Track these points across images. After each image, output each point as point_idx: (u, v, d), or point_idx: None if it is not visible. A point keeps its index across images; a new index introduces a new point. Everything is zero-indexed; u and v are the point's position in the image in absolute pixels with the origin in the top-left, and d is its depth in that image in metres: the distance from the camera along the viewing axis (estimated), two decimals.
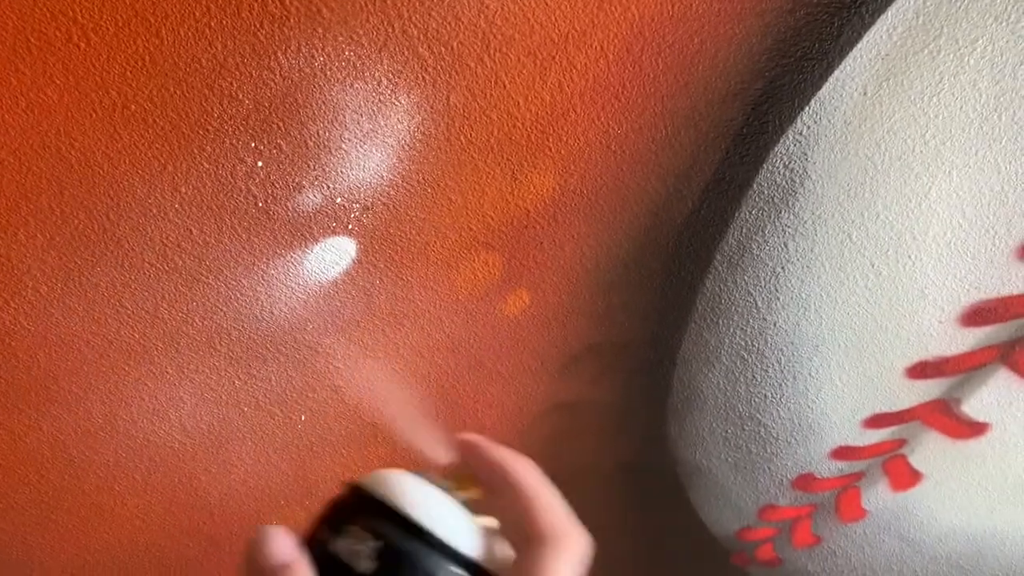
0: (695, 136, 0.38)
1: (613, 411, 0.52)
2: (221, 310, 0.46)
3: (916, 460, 0.55)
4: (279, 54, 0.36)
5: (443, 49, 0.37)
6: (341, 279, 0.44)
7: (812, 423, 0.52)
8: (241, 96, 0.38)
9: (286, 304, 0.45)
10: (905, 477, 0.58)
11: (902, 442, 0.55)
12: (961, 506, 0.56)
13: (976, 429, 0.54)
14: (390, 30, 0.36)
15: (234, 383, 0.49)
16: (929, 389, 0.51)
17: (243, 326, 0.46)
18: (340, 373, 0.44)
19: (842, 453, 0.55)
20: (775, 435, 0.52)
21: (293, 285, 0.44)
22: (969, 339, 0.47)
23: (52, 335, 0.44)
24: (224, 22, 0.34)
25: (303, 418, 0.51)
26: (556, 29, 0.38)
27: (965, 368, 0.49)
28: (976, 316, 0.47)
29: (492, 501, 0.25)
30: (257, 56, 0.36)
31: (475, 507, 0.24)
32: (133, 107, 0.37)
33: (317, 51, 0.36)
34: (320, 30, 0.36)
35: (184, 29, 0.35)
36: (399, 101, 0.38)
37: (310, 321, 0.46)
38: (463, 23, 0.36)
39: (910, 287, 0.44)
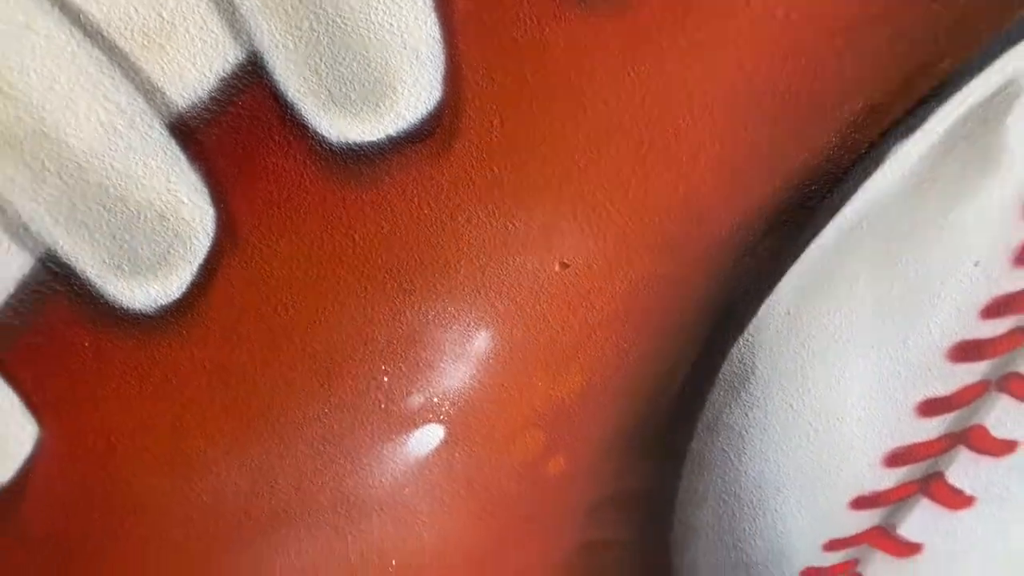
0: (675, 349, 0.56)
1: (633, 549, 0.66)
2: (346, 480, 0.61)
3: None
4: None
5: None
6: (432, 453, 0.60)
7: (782, 549, 0.66)
8: None
9: (391, 474, 0.60)
10: None
11: (856, 562, 0.68)
12: None
13: (912, 549, 0.68)
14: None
15: (345, 537, 0.63)
16: (871, 518, 0.65)
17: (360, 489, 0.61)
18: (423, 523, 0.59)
19: (810, 574, 0.69)
20: (756, 560, 0.66)
21: (399, 460, 0.59)
22: (894, 477, 0.62)
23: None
24: None
25: (393, 562, 0.65)
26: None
27: (894, 500, 0.64)
28: (895, 459, 0.62)
29: None
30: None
31: None
32: None
33: None
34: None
35: None
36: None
37: (407, 485, 0.61)
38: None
39: (840, 441, 0.60)
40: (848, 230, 0.50)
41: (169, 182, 0.39)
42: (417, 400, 0.56)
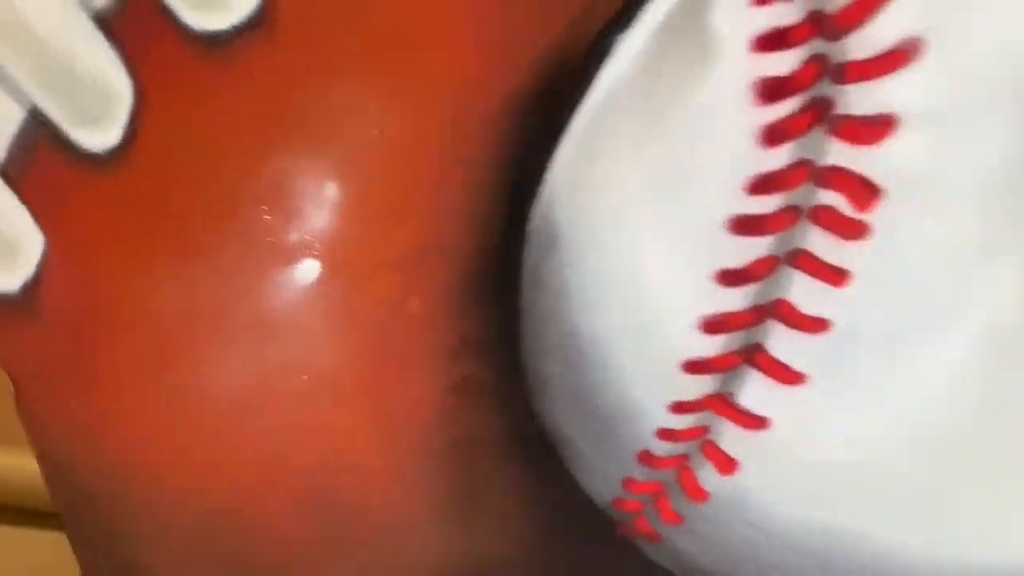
0: (489, 211, 0.70)
1: (499, 393, 0.78)
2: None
3: (725, 447, 0.66)
4: None
5: None
6: (314, 284, 0.78)
7: (629, 408, 0.66)
8: None
9: (288, 299, 0.78)
10: (723, 462, 0.67)
11: (707, 429, 0.71)
12: (789, 495, 0.64)
13: (758, 422, 0.67)
14: None
15: (263, 353, 0.82)
16: (708, 384, 0.68)
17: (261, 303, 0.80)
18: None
19: (666, 435, 0.68)
20: (607, 414, 0.68)
21: (292, 288, 0.77)
22: (715, 345, 0.66)
23: None
24: None
25: (305, 377, 0.84)
26: None
27: (723, 368, 0.68)
28: (710, 326, 0.66)
29: None
30: None
31: None
32: None
33: None
34: None
35: None
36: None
37: (302, 310, 0.79)
38: None
39: (656, 304, 0.62)
40: (601, 112, 0.58)
41: (100, 59, 0.61)
42: (294, 237, 0.73)
